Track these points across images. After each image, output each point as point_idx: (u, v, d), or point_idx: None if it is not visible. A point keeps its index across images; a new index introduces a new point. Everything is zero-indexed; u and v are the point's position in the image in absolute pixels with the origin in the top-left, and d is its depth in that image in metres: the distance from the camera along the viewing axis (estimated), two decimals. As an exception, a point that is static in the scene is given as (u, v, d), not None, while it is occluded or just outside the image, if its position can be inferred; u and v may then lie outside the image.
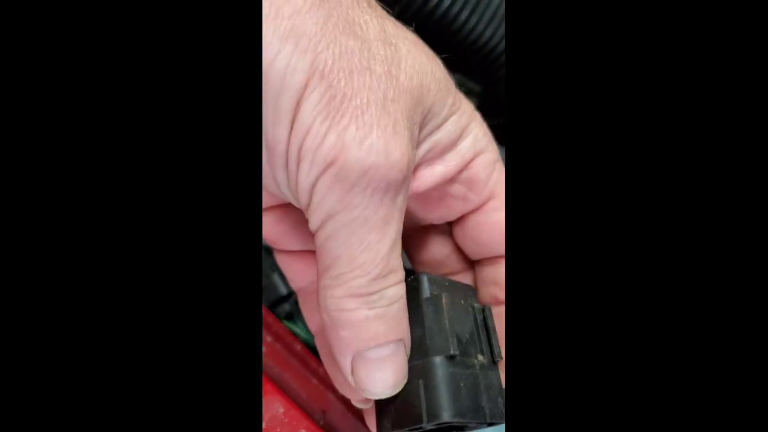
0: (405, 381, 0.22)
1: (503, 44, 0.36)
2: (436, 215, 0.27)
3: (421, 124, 0.22)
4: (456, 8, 0.35)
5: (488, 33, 0.36)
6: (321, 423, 0.30)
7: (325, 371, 0.32)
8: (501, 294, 0.26)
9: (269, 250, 0.41)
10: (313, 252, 0.26)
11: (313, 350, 0.33)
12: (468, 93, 0.47)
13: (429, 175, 0.24)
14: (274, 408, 0.29)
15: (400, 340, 0.22)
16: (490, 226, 0.26)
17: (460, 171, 0.25)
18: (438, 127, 0.23)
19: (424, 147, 0.23)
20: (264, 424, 0.28)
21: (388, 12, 0.23)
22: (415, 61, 0.22)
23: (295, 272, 0.27)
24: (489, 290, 0.27)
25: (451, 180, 0.25)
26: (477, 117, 0.25)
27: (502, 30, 0.36)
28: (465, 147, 0.24)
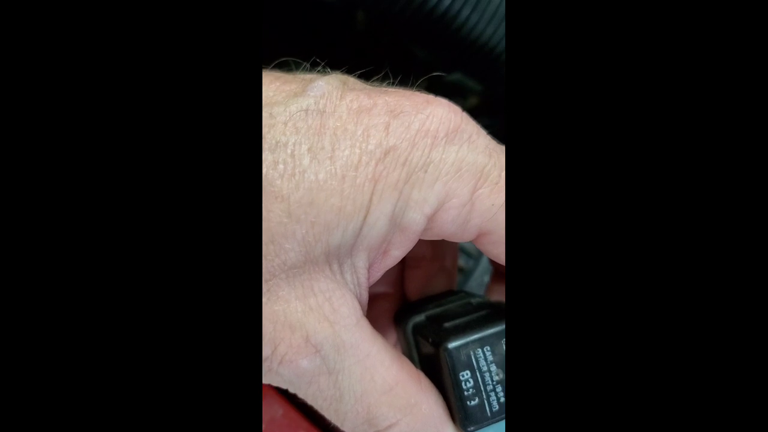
0: None
1: (503, 43, 0.36)
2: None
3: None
4: (456, 6, 0.35)
5: (489, 31, 0.36)
6: (320, 425, 0.30)
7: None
8: None
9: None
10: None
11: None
12: (468, 92, 0.47)
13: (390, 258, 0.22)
14: (273, 410, 0.29)
15: None
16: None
17: (427, 227, 0.21)
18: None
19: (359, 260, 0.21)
20: (263, 427, 0.28)
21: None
22: None
23: None
24: None
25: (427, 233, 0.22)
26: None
27: (502, 29, 0.36)
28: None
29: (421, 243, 0.24)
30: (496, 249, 0.21)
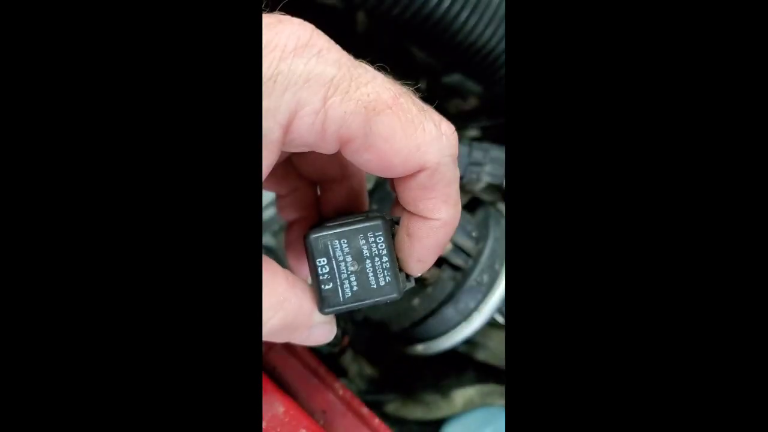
0: None
1: (503, 44, 0.36)
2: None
3: None
4: (456, 8, 0.35)
5: (488, 33, 0.36)
6: (321, 422, 0.30)
7: (325, 370, 0.32)
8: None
9: (269, 250, 0.41)
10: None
11: (313, 349, 0.33)
12: (468, 93, 0.47)
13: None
14: (274, 407, 0.29)
15: None
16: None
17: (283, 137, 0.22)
18: None
19: None
20: (264, 424, 0.28)
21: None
22: None
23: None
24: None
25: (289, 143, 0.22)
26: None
27: (502, 30, 0.36)
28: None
29: (328, 166, 0.28)
30: (361, 156, 0.22)
